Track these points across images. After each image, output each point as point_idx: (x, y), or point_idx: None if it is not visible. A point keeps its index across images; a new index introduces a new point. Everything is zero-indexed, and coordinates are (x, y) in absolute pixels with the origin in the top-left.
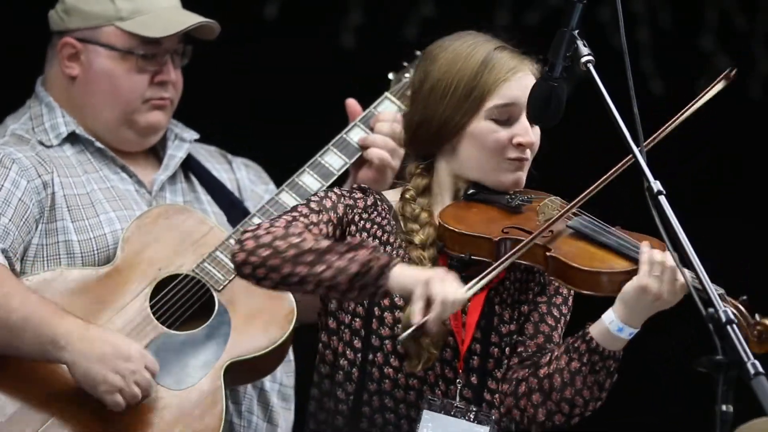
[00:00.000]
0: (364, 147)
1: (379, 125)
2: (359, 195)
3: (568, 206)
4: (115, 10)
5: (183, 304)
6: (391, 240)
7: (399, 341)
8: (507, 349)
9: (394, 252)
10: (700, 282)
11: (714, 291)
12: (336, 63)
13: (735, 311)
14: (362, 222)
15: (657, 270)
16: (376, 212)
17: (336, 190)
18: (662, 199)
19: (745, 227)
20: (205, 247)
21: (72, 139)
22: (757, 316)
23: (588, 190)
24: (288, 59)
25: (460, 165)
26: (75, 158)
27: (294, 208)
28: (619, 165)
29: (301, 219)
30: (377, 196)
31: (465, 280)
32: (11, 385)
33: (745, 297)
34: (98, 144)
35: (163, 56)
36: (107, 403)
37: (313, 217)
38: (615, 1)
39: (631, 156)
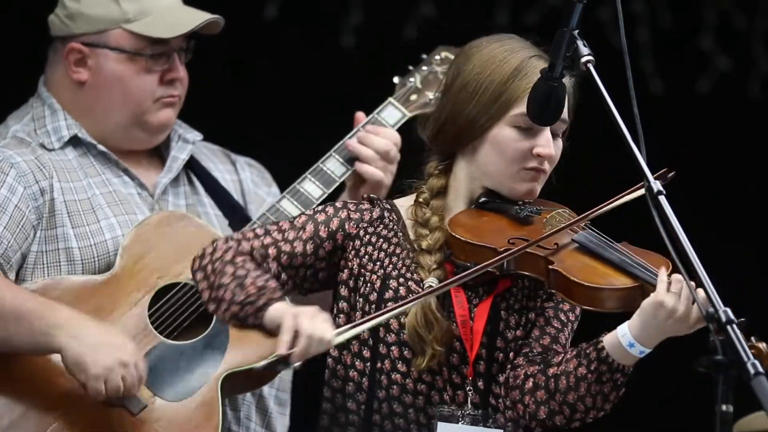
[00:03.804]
0: (355, 158)
1: (377, 141)
2: (366, 206)
3: (572, 221)
4: (121, 12)
5: (182, 313)
6: (398, 251)
7: (254, 368)
8: (511, 354)
9: (399, 262)
10: (701, 281)
11: (714, 291)
12: (336, 63)
13: None
14: (367, 236)
15: (675, 287)
16: (382, 225)
17: (339, 203)
18: (662, 199)
19: (744, 227)
20: None
21: (74, 142)
22: (753, 339)
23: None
24: (287, 59)
25: (477, 168)
26: (77, 161)
27: (276, 223)
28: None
29: (271, 235)
30: (386, 206)
31: (469, 288)
32: (6, 397)
33: (743, 319)
34: (101, 147)
35: (170, 55)
36: (89, 389)
37: (290, 234)
38: (615, 1)
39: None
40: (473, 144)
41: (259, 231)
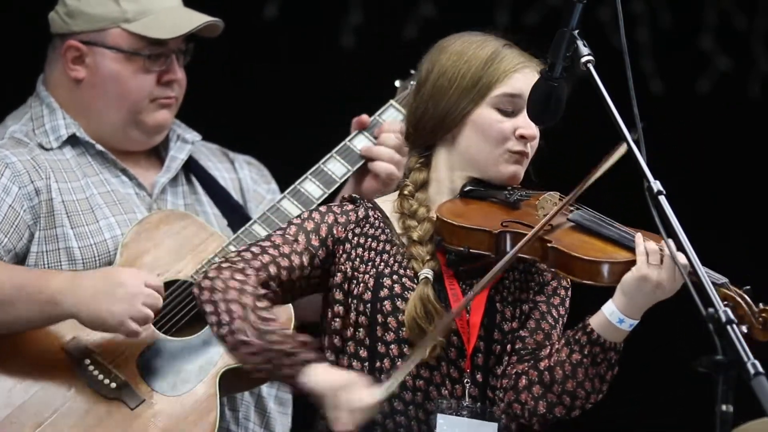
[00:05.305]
0: (368, 158)
1: (384, 137)
2: (350, 207)
3: (568, 197)
4: (121, 11)
5: (180, 309)
6: (387, 248)
7: None
8: (508, 347)
9: (391, 259)
10: (701, 283)
11: (714, 291)
12: (336, 63)
13: (740, 299)
14: (355, 238)
15: (655, 259)
16: (368, 224)
17: (323, 208)
18: (662, 199)
19: (744, 226)
20: (205, 253)
21: (72, 141)
22: (761, 305)
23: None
24: (287, 60)
25: (459, 157)
26: (75, 161)
27: (268, 238)
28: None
29: (268, 253)
30: (368, 205)
31: (463, 273)
32: (6, 390)
33: (748, 287)
34: (99, 147)
35: (168, 56)
36: (122, 334)
37: (285, 249)
38: (615, 1)
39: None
40: (453, 132)
41: (255, 249)
